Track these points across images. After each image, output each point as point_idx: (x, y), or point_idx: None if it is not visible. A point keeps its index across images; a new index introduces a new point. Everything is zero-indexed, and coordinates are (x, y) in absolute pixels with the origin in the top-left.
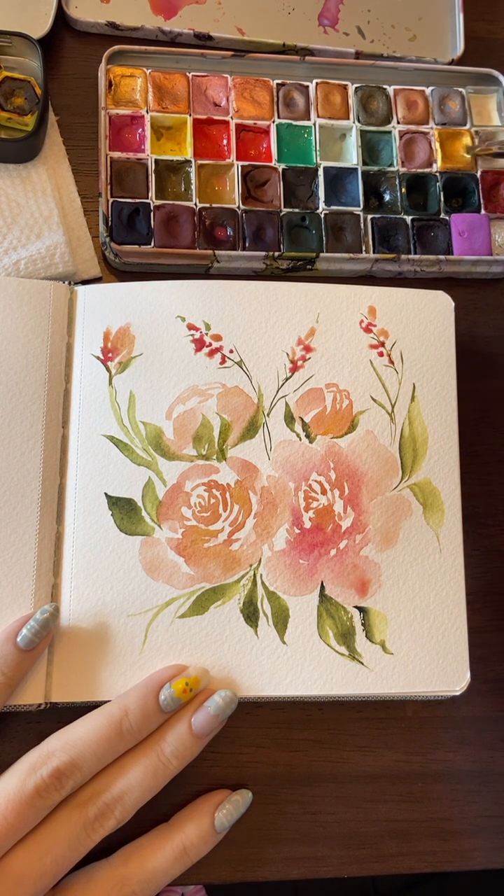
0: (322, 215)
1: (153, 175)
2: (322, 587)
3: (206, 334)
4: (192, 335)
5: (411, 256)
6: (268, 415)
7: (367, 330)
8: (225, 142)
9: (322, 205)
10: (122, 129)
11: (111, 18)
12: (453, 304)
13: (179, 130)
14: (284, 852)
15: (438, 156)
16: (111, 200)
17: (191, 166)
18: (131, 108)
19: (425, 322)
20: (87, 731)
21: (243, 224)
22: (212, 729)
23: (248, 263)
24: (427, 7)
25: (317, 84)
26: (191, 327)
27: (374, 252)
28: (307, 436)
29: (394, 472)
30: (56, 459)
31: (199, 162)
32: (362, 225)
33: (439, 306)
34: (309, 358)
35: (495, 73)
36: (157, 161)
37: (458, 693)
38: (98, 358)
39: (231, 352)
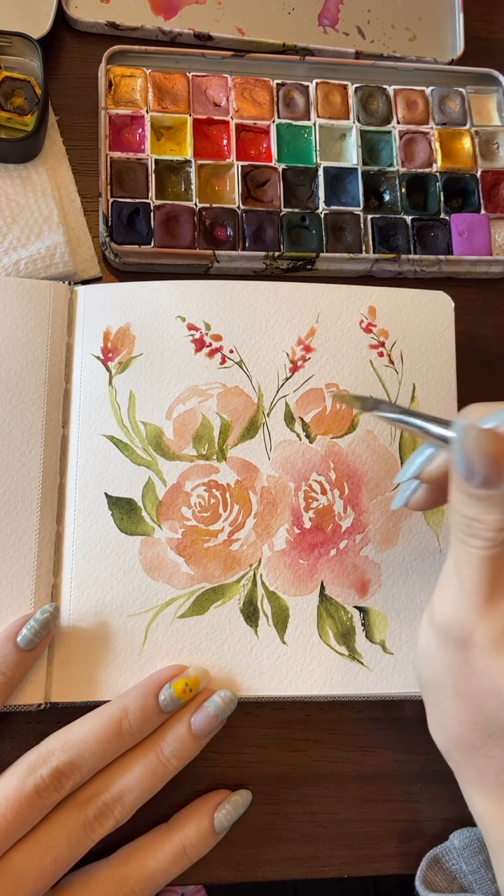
0: (322, 215)
1: (153, 175)
2: (322, 587)
3: (206, 334)
4: (192, 335)
5: (411, 256)
6: (268, 415)
7: (367, 330)
8: (225, 142)
9: (322, 205)
10: (122, 129)
11: (111, 18)
12: (453, 304)
13: (179, 130)
14: (284, 852)
15: (438, 156)
16: (111, 200)
17: (191, 166)
18: (131, 108)
19: (425, 322)
20: (86, 731)
21: (243, 224)
22: (211, 729)
23: (248, 263)
24: (427, 7)
25: (317, 84)
26: (191, 327)
27: (374, 252)
28: (307, 436)
29: (394, 472)
30: (56, 459)
31: (199, 162)
32: (362, 225)
33: (439, 306)
34: (309, 358)
35: (495, 73)
36: (157, 161)
37: None
38: (98, 358)
39: (231, 352)
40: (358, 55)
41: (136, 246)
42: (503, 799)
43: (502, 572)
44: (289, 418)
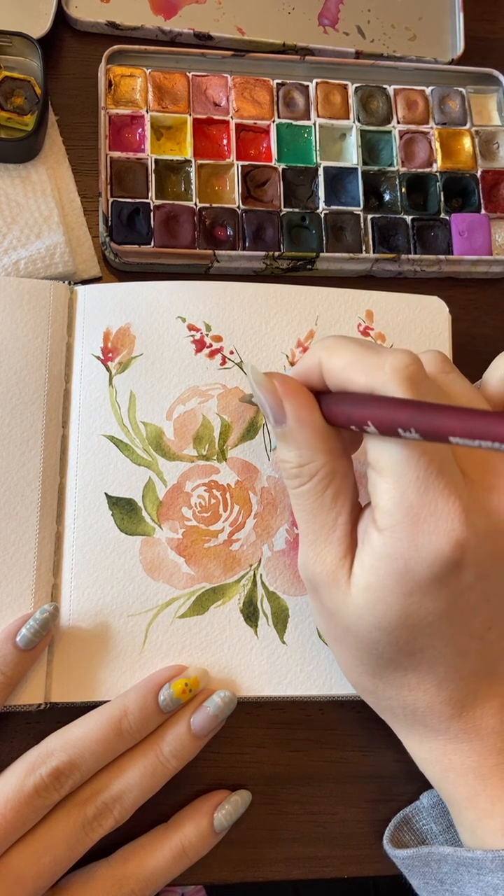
0: (322, 215)
1: (153, 175)
2: None
3: (207, 335)
4: (192, 336)
5: (411, 256)
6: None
7: (365, 333)
8: (225, 142)
9: (322, 205)
10: (122, 128)
11: (111, 18)
12: (447, 308)
13: (179, 130)
14: (284, 852)
15: (438, 156)
16: (111, 200)
17: (191, 166)
18: (131, 108)
19: (420, 327)
20: (86, 731)
21: (243, 224)
22: (211, 729)
23: (248, 263)
24: (427, 7)
25: (317, 84)
26: (191, 328)
27: (374, 252)
28: None
29: None
30: (56, 459)
31: (199, 162)
32: (362, 225)
33: (434, 312)
34: None
35: (495, 72)
36: (157, 161)
37: None
38: (98, 358)
39: (231, 353)
40: (358, 55)
41: (136, 246)
42: (425, 739)
43: (321, 508)
44: None
